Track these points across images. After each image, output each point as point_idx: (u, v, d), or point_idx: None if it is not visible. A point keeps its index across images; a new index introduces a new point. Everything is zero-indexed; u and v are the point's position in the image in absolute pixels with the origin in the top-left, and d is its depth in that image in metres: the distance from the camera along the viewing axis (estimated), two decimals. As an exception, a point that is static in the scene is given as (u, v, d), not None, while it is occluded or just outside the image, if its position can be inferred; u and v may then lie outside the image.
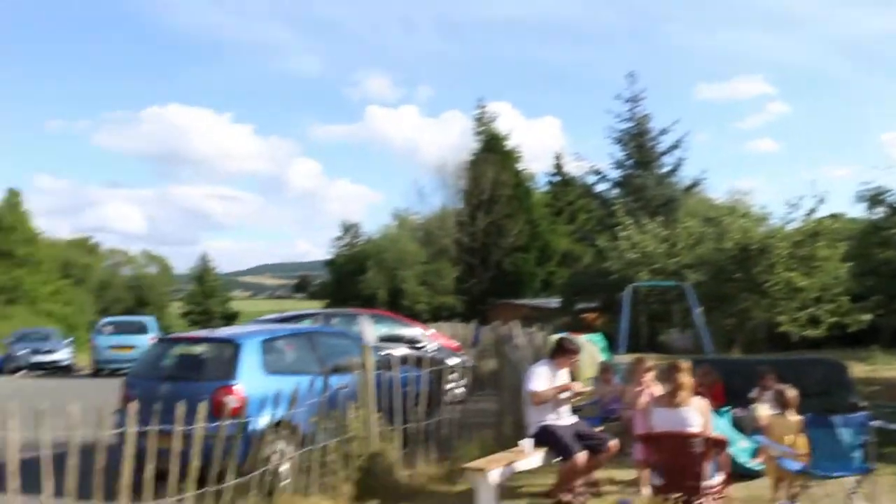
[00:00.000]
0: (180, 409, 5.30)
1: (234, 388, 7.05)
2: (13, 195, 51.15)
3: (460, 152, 51.50)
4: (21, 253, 49.25)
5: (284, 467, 6.63)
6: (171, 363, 8.46)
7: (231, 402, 6.37)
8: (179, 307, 73.25)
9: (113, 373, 22.68)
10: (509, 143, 50.97)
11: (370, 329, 12.52)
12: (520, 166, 51.27)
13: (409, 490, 7.24)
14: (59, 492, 4.68)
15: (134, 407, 5.10)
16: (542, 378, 6.79)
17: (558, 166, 55.29)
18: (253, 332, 8.24)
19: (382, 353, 8.34)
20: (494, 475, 6.13)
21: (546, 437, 6.69)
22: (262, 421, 6.24)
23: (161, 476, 5.29)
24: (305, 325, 11.73)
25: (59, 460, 4.69)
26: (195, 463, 5.42)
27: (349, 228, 64.52)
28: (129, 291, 66.02)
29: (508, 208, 47.17)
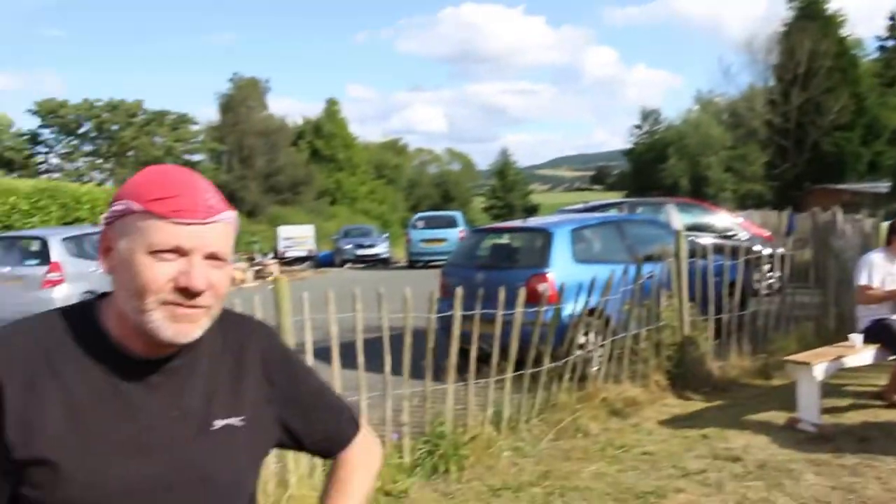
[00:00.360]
0: (501, 295, 5.52)
1: (547, 275, 7.27)
2: (332, 104, 55.88)
3: (770, 23, 46.64)
4: (341, 157, 54.06)
5: (596, 354, 6.73)
6: (484, 253, 8.89)
7: (544, 289, 6.56)
8: (482, 202, 76.47)
9: (425, 264, 24.32)
10: (830, 7, 44.73)
11: (677, 217, 12.18)
12: (843, 32, 44.89)
13: (722, 382, 7.04)
14: (395, 370, 5.12)
15: (460, 292, 5.38)
16: (875, 269, 6.12)
17: (893, 28, 47.97)
18: (563, 221, 8.37)
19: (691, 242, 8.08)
20: (819, 370, 5.70)
21: (880, 333, 6.06)
22: (574, 308, 6.34)
23: (480, 359, 5.58)
24: (611, 214, 11.67)
25: (388, 341, 5.13)
26: (514, 346, 5.67)
27: (648, 115, 62.68)
28: (435, 188, 70.05)
29: (828, 82, 41.95)
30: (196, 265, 1.22)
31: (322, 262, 29.18)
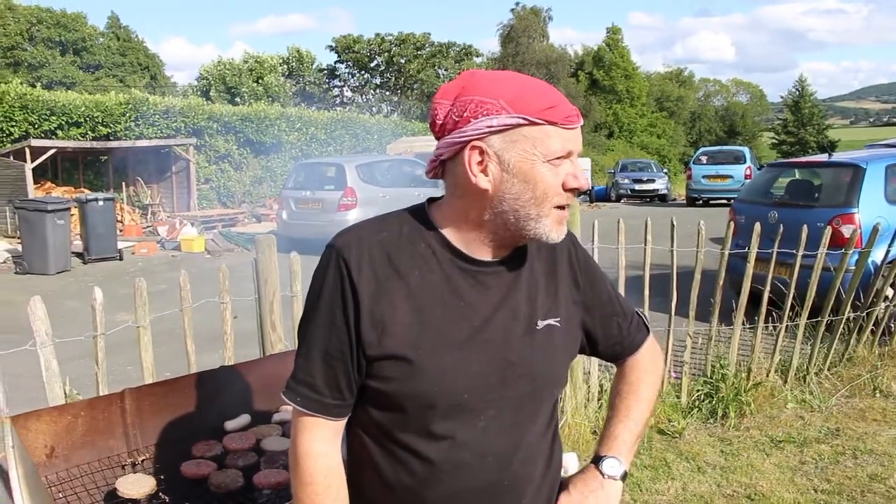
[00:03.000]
0: (802, 235, 5.13)
1: (853, 216, 6.65)
2: (614, 32, 54.36)
3: None
4: (620, 88, 52.78)
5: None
6: (780, 189, 8.33)
7: (849, 231, 5.98)
8: (770, 137, 71.19)
9: (706, 202, 23.32)
10: None
11: None
12: None
13: None
14: (679, 309, 4.96)
15: (758, 228, 5.07)
16: None
17: None
18: (876, 156, 7.51)
19: None
20: None
21: None
22: (883, 255, 5.71)
23: (770, 303, 5.27)
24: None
25: (675, 275, 4.96)
26: (811, 292, 5.26)
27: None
28: (718, 122, 66.37)
29: None
30: (577, 165, 1.30)
31: (597, 196, 28.95)
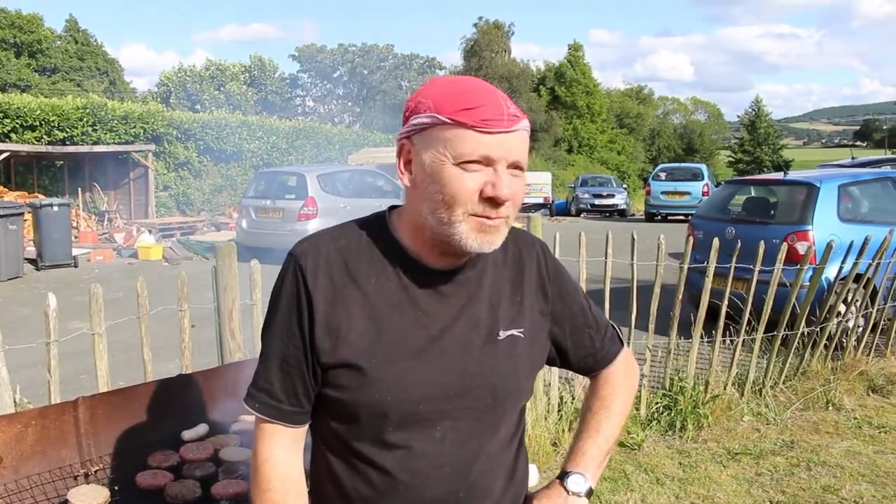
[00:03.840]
0: (760, 250, 5.19)
1: (807, 233, 6.77)
2: (575, 48, 54.81)
3: None
4: (581, 104, 53.22)
5: (857, 324, 6.18)
6: (738, 206, 8.46)
7: (804, 248, 6.10)
8: (727, 156, 72.40)
9: (664, 218, 23.67)
10: None
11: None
12: None
13: None
14: (638, 322, 4.98)
15: (717, 244, 5.13)
16: None
17: None
18: (829, 176, 7.70)
19: None
20: None
21: None
22: (835, 272, 5.83)
23: (727, 317, 5.32)
24: (887, 170, 10.56)
25: (636, 289, 4.99)
26: (767, 307, 5.33)
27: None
28: (677, 140, 67.33)
29: None
30: (501, 175, 1.22)
31: (557, 210, 29.16)
